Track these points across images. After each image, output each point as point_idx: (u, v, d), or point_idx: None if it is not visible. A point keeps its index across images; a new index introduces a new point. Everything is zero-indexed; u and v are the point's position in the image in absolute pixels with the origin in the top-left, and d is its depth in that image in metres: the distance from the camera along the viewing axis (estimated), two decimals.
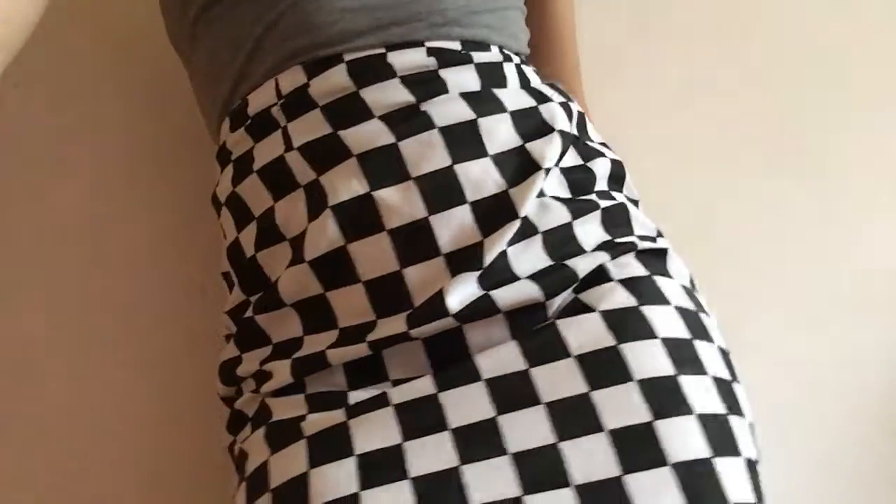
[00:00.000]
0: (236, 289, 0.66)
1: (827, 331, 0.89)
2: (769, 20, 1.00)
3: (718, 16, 1.00)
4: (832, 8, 1.00)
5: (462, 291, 0.57)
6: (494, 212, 0.59)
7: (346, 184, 0.60)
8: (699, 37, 0.99)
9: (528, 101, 0.66)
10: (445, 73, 0.65)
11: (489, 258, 0.58)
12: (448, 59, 0.65)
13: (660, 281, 0.61)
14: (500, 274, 0.58)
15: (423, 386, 0.57)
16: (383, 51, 0.64)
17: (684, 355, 0.57)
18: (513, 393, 0.55)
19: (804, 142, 0.95)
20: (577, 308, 0.58)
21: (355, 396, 0.58)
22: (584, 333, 0.57)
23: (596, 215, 0.63)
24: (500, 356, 0.57)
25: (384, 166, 0.60)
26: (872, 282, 0.91)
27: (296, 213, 0.62)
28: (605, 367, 0.55)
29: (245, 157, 0.66)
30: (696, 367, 0.57)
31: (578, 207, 0.62)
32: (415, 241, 0.59)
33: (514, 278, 0.59)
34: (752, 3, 1.01)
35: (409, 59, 0.64)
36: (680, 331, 0.58)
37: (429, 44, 0.66)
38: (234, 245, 0.66)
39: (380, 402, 0.57)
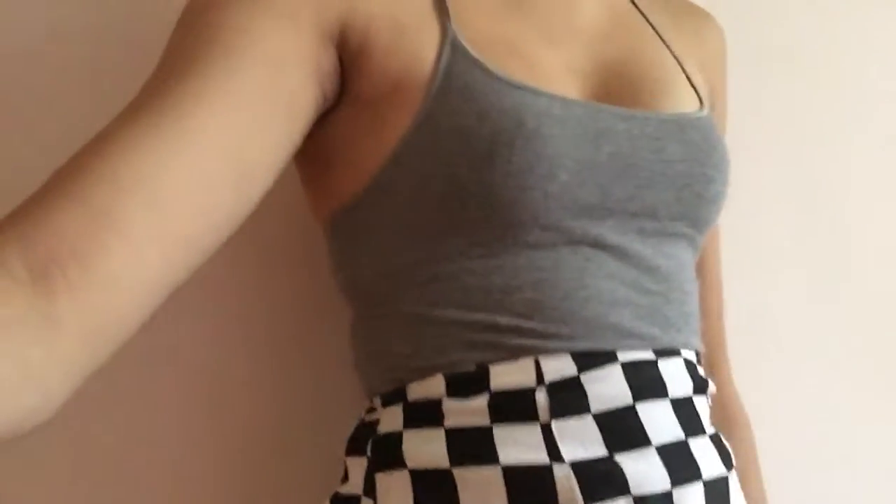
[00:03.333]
0: None
1: None
2: None
3: None
4: None
5: None
6: None
7: None
8: None
9: None
10: (697, 401, 0.59)
11: None
12: (700, 381, 0.60)
13: None
14: None
15: None
16: (653, 357, 0.57)
17: None
18: None
19: None
20: None
21: None
22: None
23: None
24: None
25: None
26: None
27: None
28: None
29: (474, 434, 0.54)
30: None
31: None
32: None
33: None
34: None
35: (677, 373, 0.58)
36: None
37: (685, 353, 0.59)
38: None
39: None
